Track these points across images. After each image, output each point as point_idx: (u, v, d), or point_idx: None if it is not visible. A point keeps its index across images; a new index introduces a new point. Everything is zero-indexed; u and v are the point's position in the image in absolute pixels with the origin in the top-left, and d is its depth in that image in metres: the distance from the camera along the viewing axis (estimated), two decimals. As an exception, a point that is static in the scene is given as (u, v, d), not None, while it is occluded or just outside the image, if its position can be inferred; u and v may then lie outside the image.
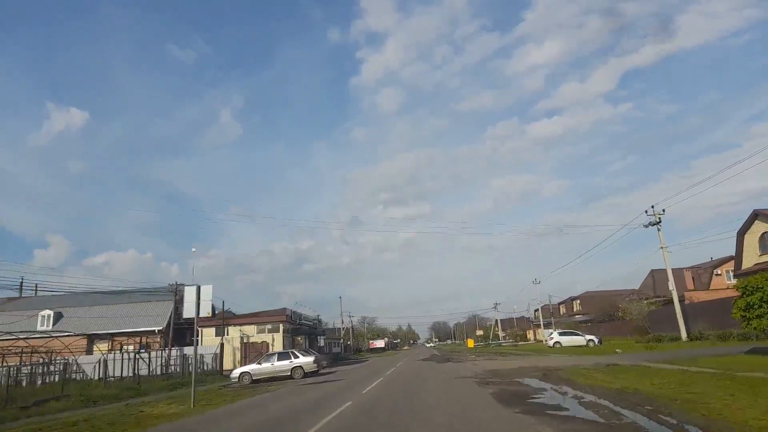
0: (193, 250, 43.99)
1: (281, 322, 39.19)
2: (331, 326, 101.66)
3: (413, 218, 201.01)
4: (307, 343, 48.25)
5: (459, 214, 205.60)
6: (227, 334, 39.26)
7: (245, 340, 38.96)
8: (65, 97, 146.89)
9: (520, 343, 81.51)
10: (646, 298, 58.34)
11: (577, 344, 43.08)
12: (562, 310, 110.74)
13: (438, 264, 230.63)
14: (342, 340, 79.56)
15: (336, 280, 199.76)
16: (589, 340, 43.72)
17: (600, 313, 75.95)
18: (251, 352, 37.54)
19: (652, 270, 66.67)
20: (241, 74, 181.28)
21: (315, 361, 26.81)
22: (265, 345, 38.61)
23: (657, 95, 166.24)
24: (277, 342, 38.74)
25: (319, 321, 73.50)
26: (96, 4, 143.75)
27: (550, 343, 44.55)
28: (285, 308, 40.45)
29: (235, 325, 39.63)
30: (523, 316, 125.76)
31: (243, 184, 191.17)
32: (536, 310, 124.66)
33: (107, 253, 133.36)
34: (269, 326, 39.54)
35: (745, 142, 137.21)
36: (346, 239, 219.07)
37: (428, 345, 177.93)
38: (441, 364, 30.33)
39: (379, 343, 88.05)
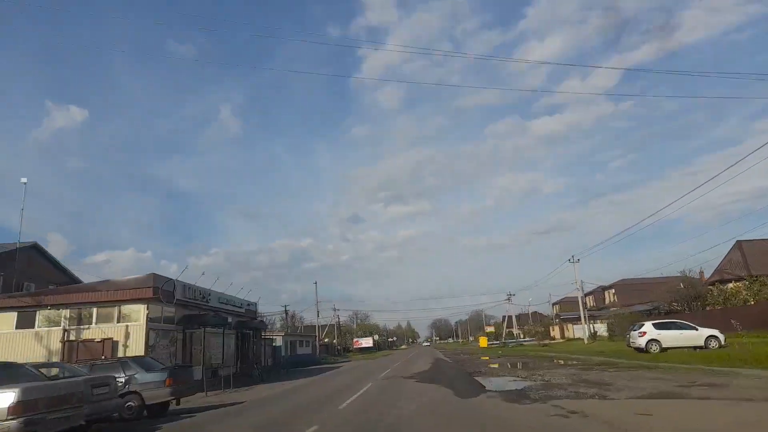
0: (23, 180, 24.44)
1: (146, 300, 19.91)
2: (322, 323, 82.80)
3: (414, 216, 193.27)
4: (236, 344, 29.23)
5: (460, 212, 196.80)
6: (36, 323, 20.00)
7: (71, 336, 19.76)
8: (64, 94, 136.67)
9: (546, 342, 62.23)
10: (742, 279, 39.26)
11: (689, 344, 24.13)
12: (590, 302, 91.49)
13: (438, 262, 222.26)
14: (317, 339, 60.29)
15: (335, 278, 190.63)
16: (710, 336, 24.65)
17: (644, 301, 57.81)
18: (85, 356, 18.25)
19: (740, 242, 47.29)
20: (241, 71, 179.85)
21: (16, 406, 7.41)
22: (109, 344, 19.37)
23: (659, 92, 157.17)
24: (135, 338, 19.50)
25: (289, 315, 55.11)
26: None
27: (641, 342, 25.17)
28: (153, 274, 20.95)
29: (55, 306, 20.36)
30: (536, 312, 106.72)
31: (243, 181, 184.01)
32: (555, 304, 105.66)
33: (107, 252, 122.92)
34: (127, 307, 20.35)
35: (747, 138, 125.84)
36: (346, 237, 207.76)
37: (426, 344, 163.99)
38: (469, 398, 11.16)
39: (366, 342, 68.18)
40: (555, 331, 76.34)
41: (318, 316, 60.42)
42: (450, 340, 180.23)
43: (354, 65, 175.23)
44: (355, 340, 67.45)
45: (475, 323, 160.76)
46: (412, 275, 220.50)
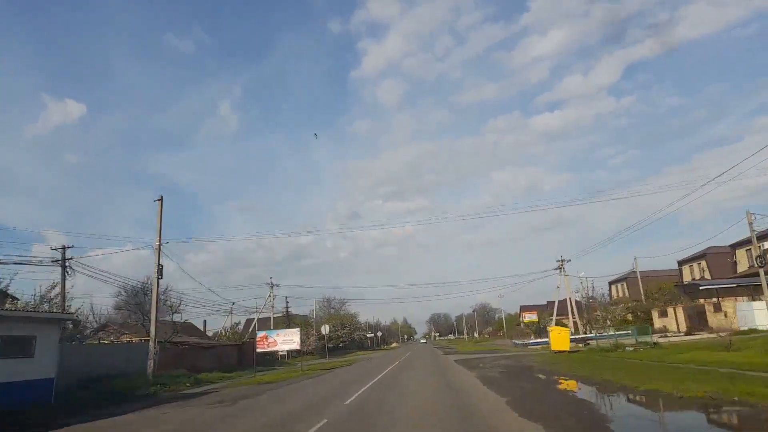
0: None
1: None
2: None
3: (413, 212, 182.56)
4: None
5: (459, 209, 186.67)
6: None
7: None
8: (61, 88, 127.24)
9: (686, 338, 24.73)
10: None
11: None
12: (690, 273, 54.41)
13: (437, 258, 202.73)
14: (153, 334, 23.20)
15: (333, 274, 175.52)
16: None
17: None
18: None
19: None
20: (241, 65, 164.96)
21: None
22: None
23: (661, 88, 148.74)
24: None
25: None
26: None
27: None
28: None
29: None
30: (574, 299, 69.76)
31: (241, 176, 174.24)
32: (612, 283, 68.55)
33: (104, 248, 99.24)
34: None
35: (747, 135, 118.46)
36: (344, 233, 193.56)
37: (422, 341, 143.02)
38: None
39: (287, 341, 29.14)
40: (670, 319, 39.05)
41: (158, 279, 23.34)
42: (451, 336, 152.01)
43: (354, 60, 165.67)
44: (260, 335, 28.85)
45: (482, 317, 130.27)
46: (410, 271, 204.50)
